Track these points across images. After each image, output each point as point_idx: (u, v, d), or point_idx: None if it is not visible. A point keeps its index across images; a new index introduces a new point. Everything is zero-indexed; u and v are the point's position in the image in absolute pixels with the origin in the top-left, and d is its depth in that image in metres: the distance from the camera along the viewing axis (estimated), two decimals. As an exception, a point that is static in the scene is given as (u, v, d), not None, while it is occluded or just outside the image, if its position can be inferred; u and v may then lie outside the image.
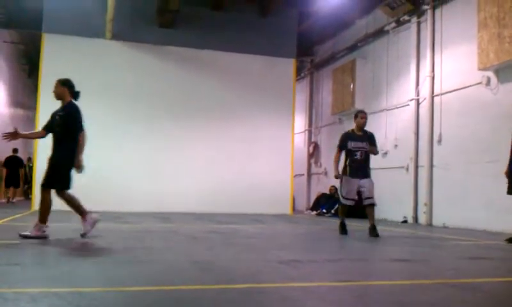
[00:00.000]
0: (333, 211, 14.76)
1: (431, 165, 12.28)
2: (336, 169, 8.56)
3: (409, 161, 12.97)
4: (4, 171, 17.75)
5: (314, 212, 15.91)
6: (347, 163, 8.47)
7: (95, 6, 13.94)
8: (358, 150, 8.39)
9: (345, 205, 8.64)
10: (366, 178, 8.38)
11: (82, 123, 6.89)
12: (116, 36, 14.48)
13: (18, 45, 19.54)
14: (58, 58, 14.15)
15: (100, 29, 14.18)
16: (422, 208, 12.42)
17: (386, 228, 10.74)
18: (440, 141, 12.07)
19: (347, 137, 8.59)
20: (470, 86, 11.18)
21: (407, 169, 13.08)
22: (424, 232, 10.16)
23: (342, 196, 8.64)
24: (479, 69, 10.67)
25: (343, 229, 8.62)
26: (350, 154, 8.44)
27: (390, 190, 13.67)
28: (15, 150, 17.79)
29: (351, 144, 8.43)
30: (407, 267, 5.25)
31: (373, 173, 14.34)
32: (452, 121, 11.74)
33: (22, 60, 21.57)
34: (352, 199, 8.50)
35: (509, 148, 8.08)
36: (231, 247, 6.52)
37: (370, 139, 8.56)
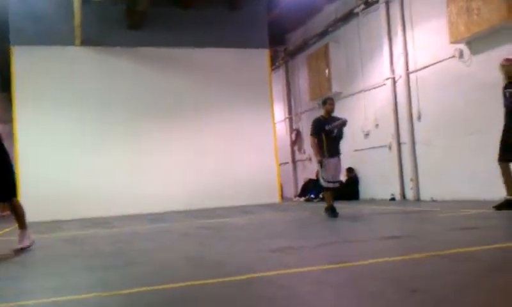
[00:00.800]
0: (321, 195, 14.79)
1: (413, 142, 12.37)
2: (319, 152, 8.77)
3: (392, 139, 13.06)
4: None
5: (303, 198, 15.96)
6: (326, 145, 8.72)
7: (61, 13, 13.74)
8: (334, 128, 8.75)
9: (327, 188, 8.86)
10: (337, 156, 8.83)
11: None
12: (86, 42, 14.29)
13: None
14: (29, 69, 13.98)
15: (68, 36, 13.98)
16: (408, 185, 12.53)
17: (375, 207, 10.84)
18: (419, 118, 12.16)
19: (320, 122, 8.89)
20: (444, 60, 11.26)
21: (390, 148, 13.18)
22: (413, 207, 10.27)
23: (324, 180, 8.79)
24: (451, 42, 10.74)
25: (333, 212, 8.65)
26: (327, 135, 8.73)
27: (375, 169, 13.77)
28: None
29: (328, 126, 8.75)
30: (398, 243, 5.30)
31: (357, 154, 14.59)
32: (430, 96, 11.83)
33: (-7, 75, 21.20)
34: (333, 182, 8.78)
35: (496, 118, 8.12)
36: (222, 241, 6.53)
37: (339, 118, 9.01)
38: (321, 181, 8.90)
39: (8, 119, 18.18)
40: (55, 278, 4.40)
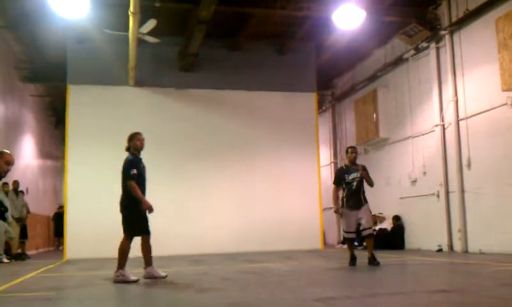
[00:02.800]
0: (364, 243, 14.51)
1: (462, 191, 12.05)
2: (336, 203, 8.97)
3: (440, 187, 12.76)
4: (52, 224, 21.96)
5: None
6: (345, 196, 8.84)
7: (116, 55, 14.22)
8: (353, 181, 8.79)
9: (347, 239, 9.06)
10: (362, 207, 8.75)
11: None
12: (139, 83, 14.73)
13: (44, 97, 20.00)
14: (83, 108, 14.43)
15: (122, 76, 14.45)
16: (456, 235, 12.15)
17: (421, 258, 10.53)
18: (469, 165, 11.87)
19: (342, 172, 9.04)
20: (495, 107, 11.03)
21: (438, 196, 12.86)
22: (461, 260, 9.92)
23: (343, 231, 9.11)
24: (503, 90, 10.54)
25: (353, 263, 8.87)
26: (347, 187, 8.82)
27: (421, 218, 13.44)
28: (61, 207, 20.42)
29: (348, 177, 8.84)
30: (447, 298, 5.11)
31: (403, 202, 14.29)
32: (480, 144, 11.56)
33: (49, 112, 22.03)
34: (353, 232, 8.87)
35: None
36: (265, 287, 6.44)
37: (363, 169, 8.92)
38: (342, 231, 9.26)
39: (60, 156, 18.83)
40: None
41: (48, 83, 17.93)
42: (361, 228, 8.71)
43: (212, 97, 15.43)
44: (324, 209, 17.16)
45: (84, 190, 14.03)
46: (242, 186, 15.27)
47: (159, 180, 14.51)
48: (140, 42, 12.45)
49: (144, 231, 7.20)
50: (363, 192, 8.89)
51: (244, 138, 15.46)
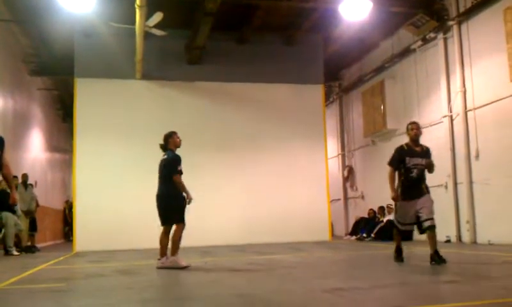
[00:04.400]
0: (372, 235, 14.53)
1: (470, 182, 12.01)
2: (394, 189, 7.47)
3: (448, 179, 12.73)
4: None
5: (354, 237, 15.69)
6: (402, 183, 7.46)
7: (123, 48, 14.23)
8: (415, 167, 7.38)
9: (401, 231, 7.71)
10: (424, 196, 7.37)
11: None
12: (146, 76, 14.75)
13: (52, 91, 20.06)
14: (91, 101, 14.47)
15: (129, 70, 14.46)
16: (464, 226, 12.12)
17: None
18: (477, 156, 11.83)
19: (403, 153, 7.49)
20: (504, 98, 10.97)
21: (446, 187, 12.83)
22: (469, 251, 9.91)
23: (397, 222, 7.64)
24: (511, 80, 10.48)
25: (398, 256, 7.72)
26: (405, 172, 7.42)
27: (429, 209, 13.40)
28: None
29: (409, 161, 7.40)
30: (456, 288, 5.11)
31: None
32: (489, 135, 11.51)
33: (56, 105, 22.10)
34: (410, 224, 7.52)
35: None
36: (273, 278, 6.47)
37: (427, 154, 7.57)
38: (395, 221, 7.79)
39: (68, 149, 18.92)
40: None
41: (56, 77, 17.99)
42: (421, 218, 7.29)
43: (219, 90, 15.42)
44: (332, 201, 17.17)
45: (93, 183, 14.10)
46: (250, 178, 15.28)
47: (167, 173, 14.56)
48: (147, 35, 12.46)
49: (183, 221, 7.99)
50: (425, 180, 7.54)
51: (252, 130, 15.45)
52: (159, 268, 7.76)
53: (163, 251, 7.94)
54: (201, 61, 15.16)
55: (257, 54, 15.61)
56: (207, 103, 15.32)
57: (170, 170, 8.08)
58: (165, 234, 8.04)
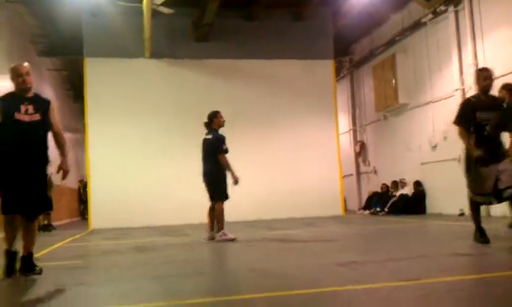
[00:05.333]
0: (386, 209, 14.51)
1: (483, 155, 11.91)
2: (472, 144, 6.10)
3: (461, 152, 12.61)
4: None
5: (367, 211, 15.69)
6: (474, 143, 6.09)
7: (131, 27, 14.18)
8: (486, 122, 6.06)
9: (477, 203, 6.39)
10: (503, 160, 5.99)
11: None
12: (155, 54, 14.72)
13: (62, 71, 20.08)
14: (100, 80, 14.49)
15: (138, 48, 14.44)
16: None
17: (443, 222, 10.53)
18: (490, 129, 11.71)
19: (469, 106, 6.22)
20: (517, 69, 10.83)
21: (459, 161, 12.74)
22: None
23: (473, 193, 6.30)
24: (525, 51, 10.34)
25: (481, 236, 6.29)
26: (476, 131, 6.10)
27: (443, 183, 13.34)
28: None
29: (479, 115, 6.07)
30: (470, 261, 5.12)
31: (424, 167, 14.21)
32: (502, 107, 11.38)
33: (67, 86, 22.13)
34: (488, 194, 6.07)
35: None
36: (286, 253, 6.51)
37: (501, 106, 6.38)
38: (469, 192, 6.39)
39: (80, 129, 19.01)
40: (122, 285, 4.52)
41: (65, 57, 17.97)
42: (501, 186, 5.86)
43: (229, 67, 15.36)
44: (345, 176, 17.15)
45: (106, 162, 14.19)
46: (262, 154, 15.29)
47: (178, 150, 14.63)
48: (154, 13, 12.39)
49: (227, 197, 8.53)
50: (501, 140, 6.28)
51: (262, 107, 15.41)
52: (217, 241, 8.14)
53: (210, 225, 8.42)
54: (210, 38, 15.07)
55: (266, 30, 15.50)
56: (216, 80, 15.28)
57: (215, 149, 8.46)
58: (211, 210, 8.49)
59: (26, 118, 5.12)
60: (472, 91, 12.20)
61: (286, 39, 15.60)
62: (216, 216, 8.32)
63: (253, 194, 14.83)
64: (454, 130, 12.42)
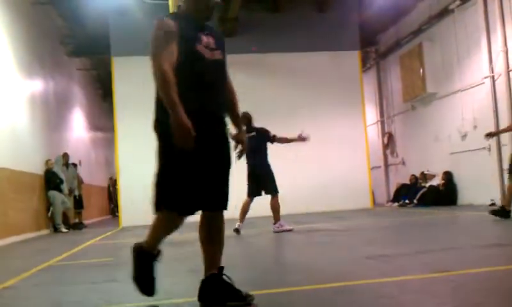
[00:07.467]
0: (415, 201, 14.37)
1: (515, 143, 11.71)
2: None
3: (491, 141, 12.43)
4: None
5: (396, 204, 15.56)
6: None
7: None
8: None
9: None
10: None
11: None
12: (181, 51, 14.80)
13: (91, 71, 20.39)
14: (128, 79, 14.63)
15: (165, 46, 14.55)
16: (509, 189, 11.83)
17: (474, 213, 10.38)
18: (521, 117, 11.49)
19: None
20: (549, 55, 10.59)
21: (489, 150, 12.55)
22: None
23: None
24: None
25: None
26: None
27: (473, 173, 13.16)
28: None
29: None
30: (502, 252, 5.05)
31: (453, 157, 14.00)
32: (533, 94, 11.16)
33: (96, 85, 22.46)
34: None
35: None
36: (315, 246, 6.51)
37: None
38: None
39: (110, 128, 19.28)
40: (158, 280, 4.57)
41: (93, 56, 18.25)
42: None
43: (255, 61, 15.35)
44: (372, 168, 17.01)
45: (134, 160, 14.33)
46: (288, 148, 15.22)
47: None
48: (181, 10, 12.47)
49: (277, 190, 9.02)
50: None
51: (289, 100, 15.39)
52: (275, 232, 8.61)
53: (275, 217, 8.86)
54: (236, 33, 15.09)
55: (291, 22, 15.45)
56: (242, 75, 15.18)
57: (268, 139, 9.09)
58: (247, 204, 9.03)
59: None
60: (501, 78, 11.99)
61: (311, 31, 15.53)
62: (273, 208, 8.80)
63: (282, 188, 14.81)
64: (484, 118, 12.27)
